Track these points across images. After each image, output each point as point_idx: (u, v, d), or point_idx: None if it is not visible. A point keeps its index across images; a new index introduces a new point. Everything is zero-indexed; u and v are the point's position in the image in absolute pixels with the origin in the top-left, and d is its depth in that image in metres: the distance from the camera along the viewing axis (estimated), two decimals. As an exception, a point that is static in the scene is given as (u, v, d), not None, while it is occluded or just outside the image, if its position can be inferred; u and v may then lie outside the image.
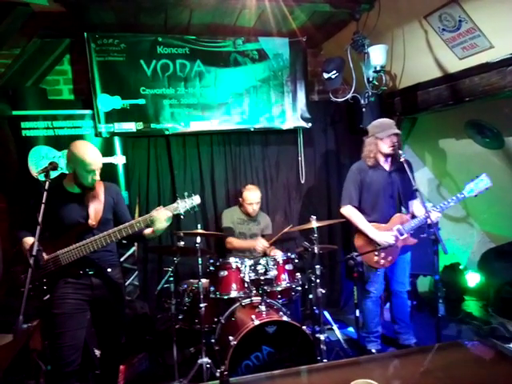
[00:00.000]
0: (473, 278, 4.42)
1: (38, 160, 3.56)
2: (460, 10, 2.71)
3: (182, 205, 2.37)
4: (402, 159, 2.88)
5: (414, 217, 3.15)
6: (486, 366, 1.56)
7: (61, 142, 3.60)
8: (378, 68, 3.25)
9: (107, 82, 3.65)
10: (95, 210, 2.40)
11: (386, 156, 3.12)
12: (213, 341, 3.12)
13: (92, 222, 2.36)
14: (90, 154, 2.31)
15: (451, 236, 4.71)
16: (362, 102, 3.47)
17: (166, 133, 3.78)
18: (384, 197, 3.14)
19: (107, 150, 3.70)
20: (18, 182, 3.54)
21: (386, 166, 3.17)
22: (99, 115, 3.65)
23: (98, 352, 3.07)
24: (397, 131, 3.06)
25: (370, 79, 3.38)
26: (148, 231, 2.42)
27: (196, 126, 3.83)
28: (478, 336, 3.53)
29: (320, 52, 4.37)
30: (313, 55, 4.32)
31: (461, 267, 4.54)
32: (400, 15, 3.15)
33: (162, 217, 2.30)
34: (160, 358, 3.46)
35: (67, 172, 2.40)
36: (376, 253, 3.07)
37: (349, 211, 3.18)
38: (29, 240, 2.28)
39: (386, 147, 3.08)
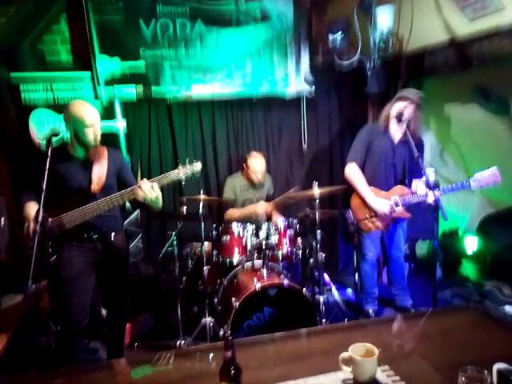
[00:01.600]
0: (471, 242, 4.49)
1: (39, 123, 3.53)
2: (473, -32, 2.59)
3: (183, 171, 2.38)
4: (403, 125, 2.84)
5: (413, 193, 3.14)
6: (481, 331, 1.62)
7: (61, 105, 3.56)
8: (385, 31, 3.15)
9: (105, 42, 3.57)
10: (98, 175, 2.41)
11: (396, 121, 3.04)
12: (216, 300, 3.23)
13: (94, 187, 2.38)
14: (87, 109, 2.34)
15: (451, 201, 4.74)
16: (368, 66, 3.38)
17: (167, 96, 3.71)
18: (386, 164, 3.14)
19: (107, 113, 3.66)
20: (19, 146, 3.53)
21: (397, 136, 3.15)
22: (98, 77, 3.58)
23: (104, 311, 3.19)
24: (411, 97, 2.99)
25: (377, 42, 3.27)
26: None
27: (197, 90, 3.76)
28: (474, 298, 3.63)
29: (325, 12, 4.19)
30: (317, 15, 4.14)
31: (459, 232, 4.60)
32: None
33: (145, 189, 2.26)
34: (164, 316, 3.59)
35: (68, 135, 2.40)
36: (367, 215, 3.11)
37: (352, 170, 3.17)
38: (31, 205, 2.30)
39: (394, 109, 3.05)
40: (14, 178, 3.58)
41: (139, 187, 2.28)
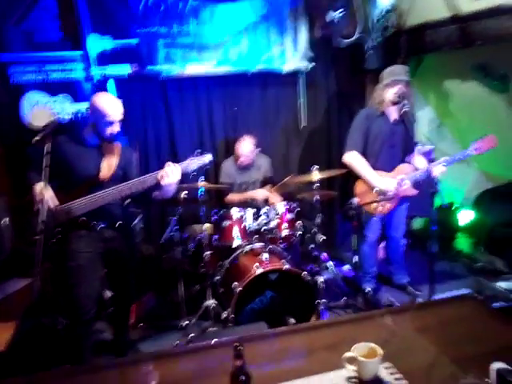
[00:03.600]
0: (466, 216, 4.55)
1: (31, 107, 3.45)
2: None
3: (193, 162, 2.38)
4: (403, 110, 2.84)
5: (416, 169, 3.15)
6: (479, 323, 1.67)
7: (52, 87, 3.48)
8: (386, 8, 3.04)
9: (96, 19, 3.45)
10: (108, 164, 2.42)
11: (393, 104, 3.05)
12: (217, 278, 3.25)
13: (104, 175, 2.39)
14: (111, 105, 2.34)
15: (447, 174, 4.75)
16: (368, 42, 3.28)
17: (162, 75, 3.62)
18: (388, 146, 3.13)
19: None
20: (12, 129, 3.46)
21: (393, 116, 3.12)
22: (90, 57, 3.48)
23: (108, 293, 3.25)
24: (403, 78, 2.96)
25: (377, 19, 3.16)
26: (156, 193, 2.43)
27: (192, 69, 3.67)
28: (469, 273, 3.73)
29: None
30: (315, -15, 3.99)
31: (455, 206, 4.65)
32: None
33: (170, 171, 2.29)
34: (167, 296, 3.66)
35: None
36: (376, 199, 3.12)
37: (353, 158, 3.14)
38: (40, 186, 2.22)
39: (390, 93, 3.01)
40: (10, 162, 3.52)
41: (163, 169, 2.28)
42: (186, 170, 2.38)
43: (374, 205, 3.14)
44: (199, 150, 2.43)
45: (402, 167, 3.17)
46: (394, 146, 3.15)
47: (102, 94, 2.45)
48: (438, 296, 2.89)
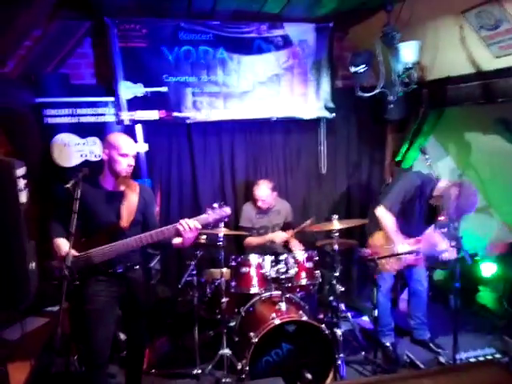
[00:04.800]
0: (488, 269, 4.43)
1: (61, 148, 3.58)
2: (500, 9, 2.57)
3: (212, 216, 2.36)
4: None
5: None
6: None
7: (84, 130, 3.62)
8: (409, 65, 3.11)
9: (129, 68, 3.61)
10: (128, 210, 2.43)
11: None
12: (232, 324, 3.23)
13: (124, 223, 2.40)
14: (124, 139, 2.43)
15: (469, 225, 4.68)
16: (391, 98, 3.34)
17: (188, 122, 3.76)
18: (418, 216, 3.15)
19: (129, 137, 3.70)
20: (43, 170, 3.58)
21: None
22: (121, 103, 3.63)
23: (122, 336, 3.23)
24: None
25: (400, 74, 3.24)
26: (177, 241, 2.45)
27: (217, 115, 3.80)
28: (493, 331, 3.58)
29: (346, 35, 4.20)
30: (338, 39, 4.15)
31: (476, 258, 4.54)
32: (435, 8, 3.01)
33: (188, 226, 2.30)
34: (180, 341, 3.61)
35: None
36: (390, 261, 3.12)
37: (384, 214, 3.08)
38: (60, 242, 2.33)
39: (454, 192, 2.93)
40: (38, 202, 3.61)
41: (181, 224, 2.29)
42: (205, 224, 2.37)
43: (383, 261, 3.11)
44: (220, 203, 2.40)
45: (425, 239, 3.14)
46: (423, 219, 3.17)
47: (115, 133, 2.60)
48: (461, 355, 2.80)
